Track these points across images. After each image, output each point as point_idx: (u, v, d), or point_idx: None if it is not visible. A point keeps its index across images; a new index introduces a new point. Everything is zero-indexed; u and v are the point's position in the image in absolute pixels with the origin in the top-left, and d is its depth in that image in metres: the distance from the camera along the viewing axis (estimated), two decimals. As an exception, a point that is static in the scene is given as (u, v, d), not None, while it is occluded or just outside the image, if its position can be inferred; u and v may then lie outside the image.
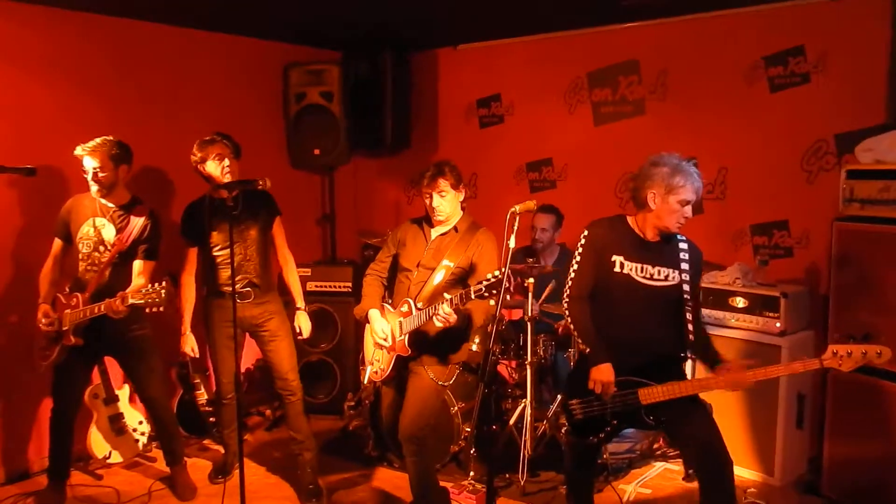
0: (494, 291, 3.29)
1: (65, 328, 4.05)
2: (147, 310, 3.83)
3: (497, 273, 3.26)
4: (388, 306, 3.95)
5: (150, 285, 3.82)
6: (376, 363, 3.96)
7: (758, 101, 4.89)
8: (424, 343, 3.84)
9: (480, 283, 3.35)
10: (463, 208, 3.96)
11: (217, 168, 4.28)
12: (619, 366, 3.36)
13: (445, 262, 3.81)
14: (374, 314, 3.94)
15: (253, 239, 4.41)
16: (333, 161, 6.04)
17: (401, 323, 3.82)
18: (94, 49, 4.91)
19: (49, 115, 4.71)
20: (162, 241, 4.28)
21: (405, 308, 3.81)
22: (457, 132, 6.40)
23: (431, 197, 3.81)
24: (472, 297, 3.37)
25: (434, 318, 3.58)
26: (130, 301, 3.83)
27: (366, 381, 3.97)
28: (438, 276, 3.82)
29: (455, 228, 3.89)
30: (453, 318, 3.53)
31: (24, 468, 4.74)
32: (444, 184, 3.77)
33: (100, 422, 4.71)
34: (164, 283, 3.79)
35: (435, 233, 3.93)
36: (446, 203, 3.81)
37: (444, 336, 3.78)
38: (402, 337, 3.80)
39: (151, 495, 4.49)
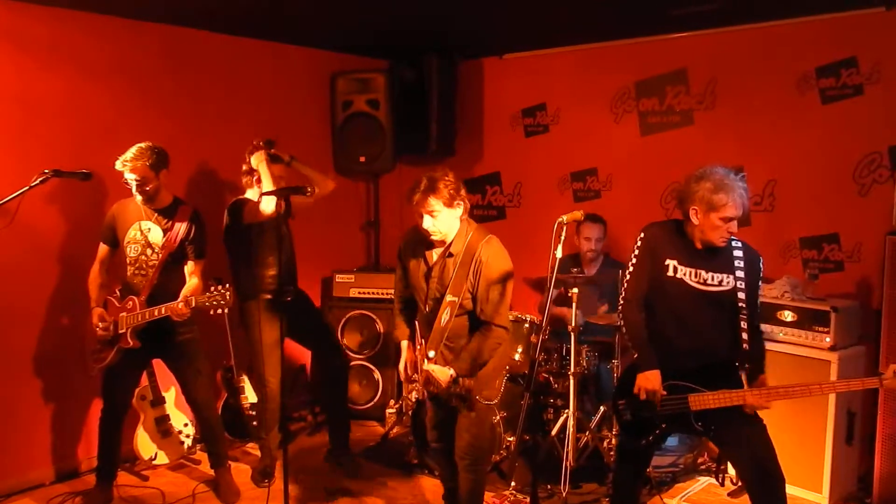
0: None
1: (121, 331, 4.12)
2: (211, 312, 3.91)
3: None
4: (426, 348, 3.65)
5: (214, 288, 3.90)
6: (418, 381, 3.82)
7: (809, 113, 4.81)
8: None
9: None
10: (462, 220, 3.55)
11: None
12: (671, 370, 3.33)
13: (449, 298, 3.48)
14: (403, 346, 3.84)
15: (290, 242, 4.60)
16: (378, 168, 6.08)
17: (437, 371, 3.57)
18: (150, 56, 5.01)
19: (105, 120, 4.80)
20: (208, 239, 4.34)
21: (431, 354, 3.58)
22: (501, 141, 6.39)
23: (422, 217, 3.44)
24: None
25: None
26: (195, 304, 3.91)
27: (413, 398, 3.91)
28: (445, 316, 3.50)
29: (449, 253, 3.51)
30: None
31: (74, 467, 4.83)
32: (434, 202, 3.38)
33: (146, 423, 4.78)
34: (227, 285, 3.86)
35: (434, 255, 3.58)
36: (440, 223, 3.43)
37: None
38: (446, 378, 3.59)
39: (195, 497, 4.54)
